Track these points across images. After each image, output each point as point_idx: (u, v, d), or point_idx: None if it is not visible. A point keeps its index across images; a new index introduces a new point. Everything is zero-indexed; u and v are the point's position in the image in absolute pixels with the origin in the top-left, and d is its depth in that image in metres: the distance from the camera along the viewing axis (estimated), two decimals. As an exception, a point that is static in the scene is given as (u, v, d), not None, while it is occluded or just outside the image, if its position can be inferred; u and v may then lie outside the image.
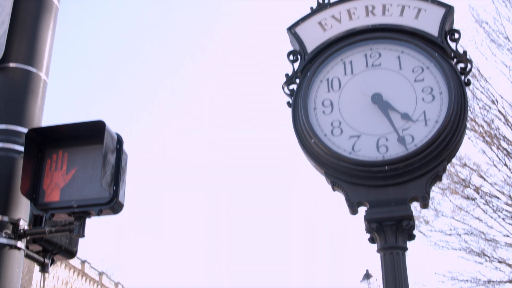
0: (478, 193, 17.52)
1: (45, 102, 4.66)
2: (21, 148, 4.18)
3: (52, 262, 4.65)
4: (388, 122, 4.60)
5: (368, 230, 4.36)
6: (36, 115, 4.46)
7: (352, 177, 4.50)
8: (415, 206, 14.21)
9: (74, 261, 47.66)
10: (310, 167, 4.82)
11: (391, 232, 4.26)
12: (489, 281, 18.12)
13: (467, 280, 18.27)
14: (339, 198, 4.66)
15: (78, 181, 4.05)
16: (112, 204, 3.89)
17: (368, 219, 4.35)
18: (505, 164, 16.67)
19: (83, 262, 49.50)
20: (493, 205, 17.41)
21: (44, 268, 4.58)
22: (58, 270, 43.81)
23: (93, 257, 64.85)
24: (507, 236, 17.58)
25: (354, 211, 4.45)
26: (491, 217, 17.65)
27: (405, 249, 4.28)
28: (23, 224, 4.13)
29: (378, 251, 4.30)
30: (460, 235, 18.28)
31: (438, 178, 4.50)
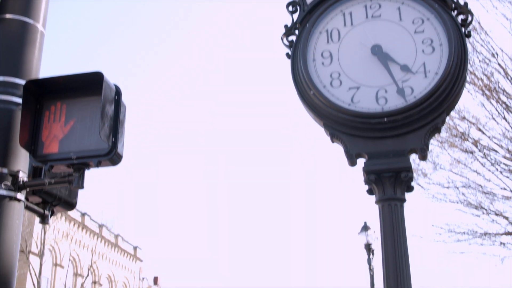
0: (476, 146, 17.56)
1: (43, 54, 4.63)
2: (19, 100, 4.16)
3: (52, 213, 4.66)
4: (388, 74, 4.57)
5: (367, 181, 4.37)
6: (33, 67, 4.43)
7: (351, 128, 4.49)
8: (413, 159, 14.25)
9: (74, 214, 48.00)
10: (310, 120, 4.81)
11: (390, 184, 4.26)
12: (485, 234, 18.29)
13: (464, 233, 18.45)
14: (338, 150, 4.66)
15: (76, 133, 4.05)
16: (111, 156, 3.90)
17: (366, 171, 4.35)
18: (504, 118, 16.67)
19: (83, 214, 49.87)
20: (491, 159, 17.47)
21: (44, 220, 4.60)
22: (58, 222, 44.14)
23: (93, 209, 65.27)
24: (504, 189, 17.69)
25: (352, 162, 4.46)
26: (489, 170, 17.73)
27: (403, 200, 4.29)
28: (23, 176, 4.15)
29: (377, 202, 4.32)
30: (457, 188, 18.39)
31: (437, 130, 4.50)
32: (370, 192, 4.41)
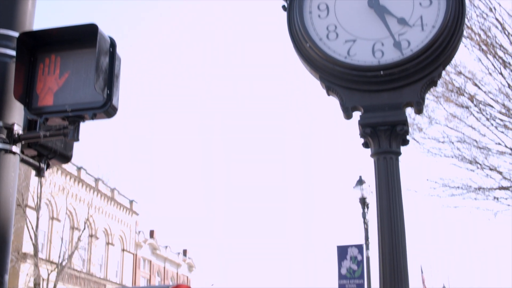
0: (472, 101, 17.57)
1: (36, 6, 4.57)
2: (13, 53, 4.13)
3: (48, 166, 4.66)
4: (384, 27, 4.54)
5: (362, 135, 4.37)
6: (27, 19, 4.39)
7: (347, 81, 4.47)
8: (409, 113, 14.25)
9: (70, 168, 48.11)
10: (305, 75, 4.79)
11: (385, 137, 4.27)
12: (479, 188, 18.42)
13: (458, 187, 18.57)
14: (334, 104, 4.66)
15: (71, 85, 4.03)
16: (106, 108, 3.88)
17: (362, 124, 4.35)
18: (500, 73, 16.63)
19: (79, 168, 49.97)
20: (486, 114, 17.49)
21: (39, 173, 4.60)
22: (55, 176, 44.27)
23: (89, 163, 65.38)
24: (499, 144, 17.75)
25: (348, 115, 4.46)
26: (484, 125, 17.78)
27: (399, 154, 4.30)
28: (18, 129, 4.13)
29: (372, 156, 4.33)
30: (453, 142, 18.45)
31: (433, 83, 4.49)
32: (365, 145, 4.42)
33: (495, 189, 18.24)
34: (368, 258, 22.73)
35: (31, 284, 38.13)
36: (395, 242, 4.17)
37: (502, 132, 17.55)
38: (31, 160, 4.48)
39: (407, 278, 4.94)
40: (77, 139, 3.98)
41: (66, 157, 4.72)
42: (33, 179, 40.13)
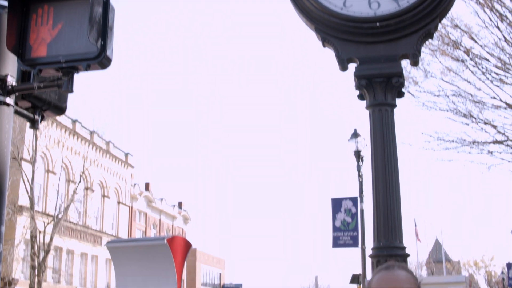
0: (468, 55, 17.49)
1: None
2: (5, 3, 4.08)
3: (42, 118, 4.64)
4: (381, -22, 4.49)
5: (358, 86, 4.36)
6: (18, -32, 4.32)
7: (342, 33, 4.44)
8: (404, 66, 14.18)
9: (65, 121, 48.04)
10: (302, 27, 4.75)
11: (381, 89, 4.25)
12: (474, 142, 18.45)
13: (452, 141, 18.60)
14: (329, 55, 4.63)
15: (65, 36, 3.99)
16: (100, 59, 3.85)
17: (357, 76, 4.33)
18: (497, 27, 16.53)
19: (74, 121, 49.90)
20: (482, 67, 17.44)
21: (34, 125, 4.58)
22: (50, 129, 44.22)
23: (84, 116, 65.27)
24: (494, 98, 17.74)
25: (344, 67, 4.44)
26: (480, 79, 17.74)
27: (394, 106, 4.30)
28: (11, 80, 4.11)
29: (367, 108, 4.32)
30: (448, 96, 18.42)
31: (430, 36, 4.46)
32: (360, 97, 4.42)
33: (489, 143, 18.28)
34: (362, 211, 22.90)
35: (28, 237, 38.41)
36: (389, 194, 4.20)
37: (498, 86, 17.53)
38: (25, 112, 4.46)
39: (401, 230, 4.99)
40: (71, 91, 3.96)
41: (60, 109, 4.69)
42: (28, 132, 40.10)
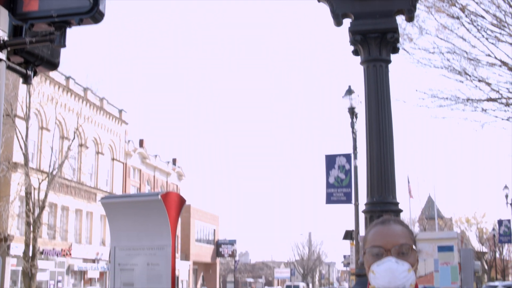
0: (463, 12, 17.38)
1: None
2: (-5, -45, 4.02)
3: (35, 73, 4.62)
4: None
5: (352, 42, 4.32)
6: None
7: (338, -12, 4.39)
8: (399, 23, 14.09)
9: (58, 77, 47.78)
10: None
11: (375, 45, 4.21)
12: (468, 99, 18.45)
13: (446, 98, 18.60)
14: (324, 10, 4.59)
15: (56, -10, 3.94)
16: (92, 13, 3.81)
17: (352, 31, 4.29)
18: (493, -18, 16.40)
19: (67, 78, 49.65)
20: (477, 25, 17.35)
21: (27, 80, 4.57)
22: (43, 86, 44.00)
23: (78, 73, 64.91)
24: (489, 55, 17.69)
25: (338, 22, 4.39)
26: (475, 36, 17.66)
27: (388, 62, 4.26)
28: (3, 35, 4.07)
29: (362, 63, 4.29)
30: (443, 53, 18.36)
31: (425, -10, 4.42)
32: (355, 53, 4.37)
33: (483, 100, 18.28)
34: (356, 168, 22.99)
35: (23, 193, 38.50)
36: (383, 149, 4.19)
37: (493, 43, 17.46)
38: (17, 67, 4.44)
39: (394, 186, 5.01)
40: (64, 45, 3.93)
41: (53, 64, 4.67)
42: (22, 89, 39.90)
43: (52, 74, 45.81)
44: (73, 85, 50.62)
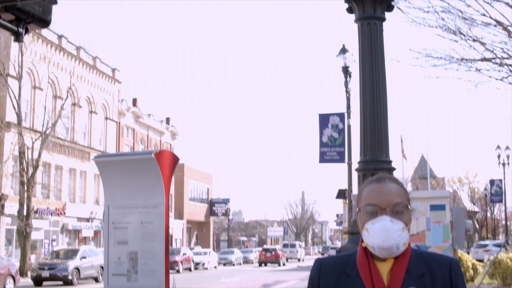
0: (459, -31, 17.23)
1: None
2: None
3: (26, 31, 4.59)
4: None
5: (347, -1, 4.28)
6: None
7: None
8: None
9: (51, 36, 47.39)
10: None
11: (370, 2, 4.16)
12: (462, 59, 18.37)
13: (441, 58, 18.50)
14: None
15: None
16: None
17: (347, -12, 4.25)
18: None
19: (60, 36, 49.27)
20: (473, -17, 17.21)
21: (18, 38, 4.53)
22: (36, 45, 43.66)
23: (70, 31, 64.35)
24: (484, 15, 17.57)
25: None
26: (470, -6, 17.52)
27: (383, 19, 4.21)
28: (-7, -9, 4.02)
29: (356, 21, 4.24)
30: (437, 12, 18.20)
31: None
32: (349, 10, 4.33)
33: (478, 60, 18.21)
34: (349, 127, 23.04)
35: (16, 153, 38.51)
36: (377, 108, 4.18)
37: (488, 3, 17.33)
38: (8, 25, 4.40)
39: (388, 144, 5.02)
40: (55, 2, 3.89)
41: (44, 21, 4.62)
42: (14, 48, 39.60)
43: (44, 32, 45.41)
44: (66, 44, 50.25)
